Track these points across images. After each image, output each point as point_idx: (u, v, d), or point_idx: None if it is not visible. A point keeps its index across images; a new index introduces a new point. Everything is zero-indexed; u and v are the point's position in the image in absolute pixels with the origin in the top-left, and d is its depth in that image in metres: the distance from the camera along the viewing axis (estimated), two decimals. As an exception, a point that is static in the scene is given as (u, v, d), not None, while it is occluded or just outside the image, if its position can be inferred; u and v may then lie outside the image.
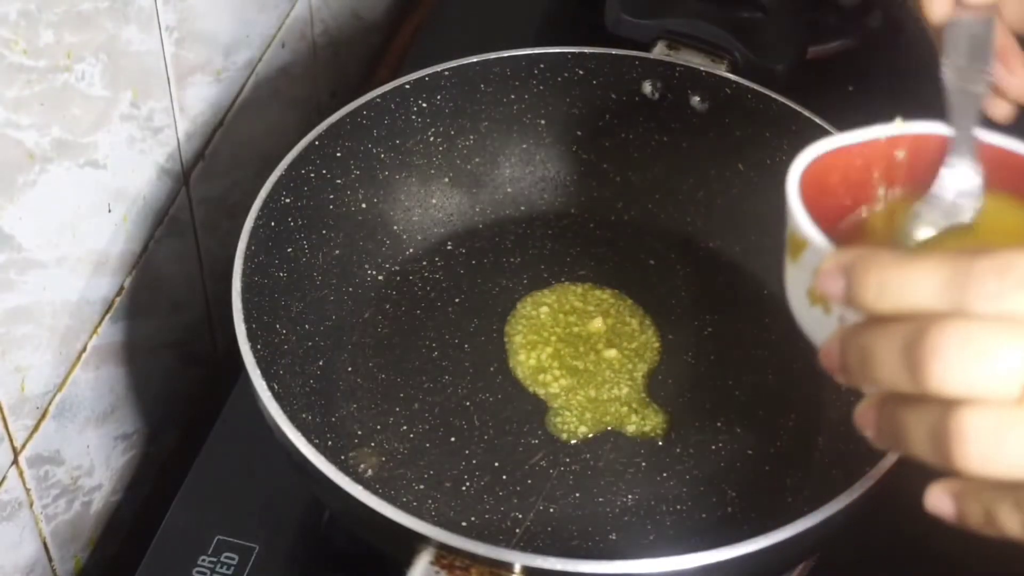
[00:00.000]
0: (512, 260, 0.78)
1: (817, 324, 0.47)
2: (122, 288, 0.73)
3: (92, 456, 0.74)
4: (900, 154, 0.53)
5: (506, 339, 0.73)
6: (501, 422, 0.69)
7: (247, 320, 0.63)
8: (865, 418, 0.44)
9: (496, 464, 0.67)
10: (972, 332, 0.40)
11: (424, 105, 0.76)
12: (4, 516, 0.67)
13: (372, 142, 0.75)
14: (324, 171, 0.72)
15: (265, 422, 0.60)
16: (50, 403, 0.68)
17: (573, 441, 0.68)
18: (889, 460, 0.57)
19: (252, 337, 0.62)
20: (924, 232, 0.50)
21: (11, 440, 0.66)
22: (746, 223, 0.77)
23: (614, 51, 0.77)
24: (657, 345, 0.73)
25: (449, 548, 0.54)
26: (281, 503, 0.70)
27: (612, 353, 0.72)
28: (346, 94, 0.93)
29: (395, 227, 0.77)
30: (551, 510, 0.66)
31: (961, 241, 0.50)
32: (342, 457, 0.67)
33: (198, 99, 0.77)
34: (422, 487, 0.66)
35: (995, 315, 0.40)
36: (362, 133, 0.74)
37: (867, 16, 0.93)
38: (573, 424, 0.69)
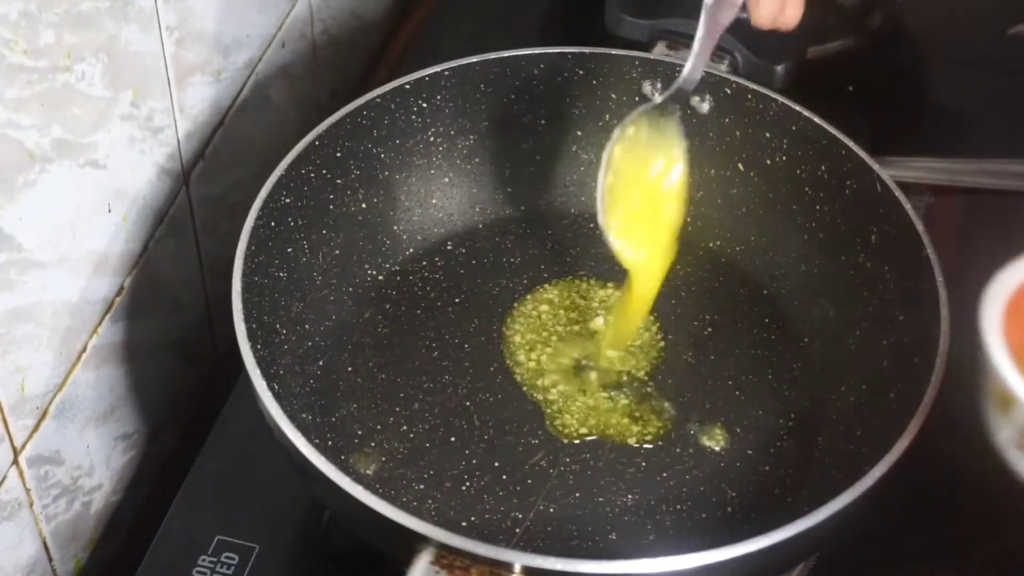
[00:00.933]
0: (512, 260, 0.78)
1: None
2: (122, 288, 0.73)
3: (92, 456, 0.74)
4: None
5: (506, 339, 0.73)
6: (501, 422, 0.69)
7: (247, 320, 0.63)
8: None
9: (496, 464, 0.67)
10: None
11: (424, 105, 0.76)
12: (4, 516, 0.66)
13: (372, 142, 0.75)
14: (324, 171, 0.72)
15: (265, 422, 0.60)
16: (50, 403, 0.68)
17: (574, 441, 0.69)
18: (889, 460, 0.57)
19: (252, 337, 0.62)
20: None
21: (11, 440, 0.66)
22: (746, 223, 0.77)
23: (614, 51, 0.77)
24: (657, 345, 0.73)
25: (449, 548, 0.54)
26: (281, 503, 0.70)
27: (612, 353, 0.72)
28: (346, 94, 0.93)
29: (395, 227, 0.77)
30: (551, 510, 0.66)
31: None
32: (342, 457, 0.67)
33: (198, 99, 0.77)
34: (422, 487, 0.66)
35: None
36: (362, 133, 0.74)
37: (867, 16, 0.93)
38: (573, 425, 0.69)
